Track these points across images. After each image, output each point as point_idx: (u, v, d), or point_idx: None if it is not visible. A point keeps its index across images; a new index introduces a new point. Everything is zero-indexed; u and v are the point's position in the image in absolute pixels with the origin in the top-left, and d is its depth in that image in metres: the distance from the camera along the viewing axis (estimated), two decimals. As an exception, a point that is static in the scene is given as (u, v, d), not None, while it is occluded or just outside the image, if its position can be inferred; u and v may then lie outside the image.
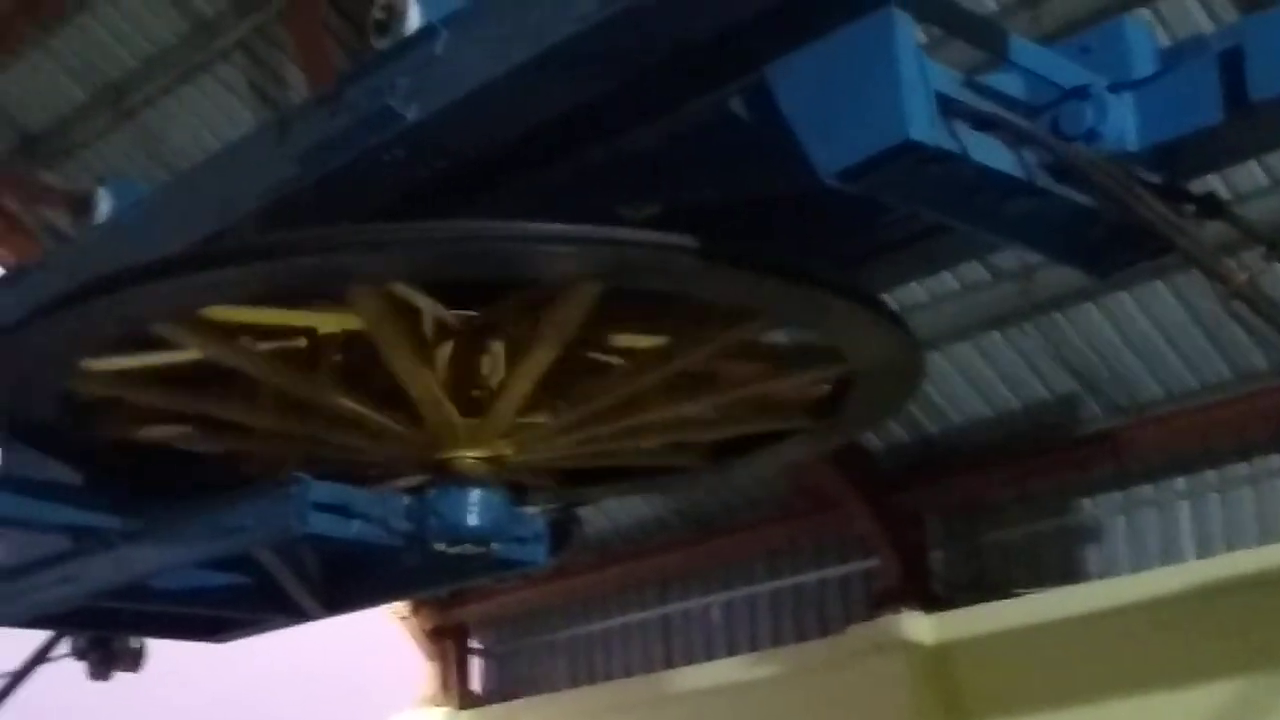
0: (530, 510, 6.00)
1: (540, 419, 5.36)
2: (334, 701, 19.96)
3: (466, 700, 16.08)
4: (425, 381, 5.00)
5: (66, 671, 8.28)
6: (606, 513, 13.54)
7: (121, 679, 8.28)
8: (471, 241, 4.27)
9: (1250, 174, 9.86)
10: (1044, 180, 3.88)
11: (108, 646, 8.10)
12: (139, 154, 12.97)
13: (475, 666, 16.37)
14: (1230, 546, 11.36)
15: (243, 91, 12.52)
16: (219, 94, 12.63)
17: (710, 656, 14.16)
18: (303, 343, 5.29)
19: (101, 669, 8.18)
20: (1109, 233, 4.11)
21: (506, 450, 5.36)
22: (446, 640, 16.22)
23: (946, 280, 11.13)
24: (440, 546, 5.40)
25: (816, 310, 4.81)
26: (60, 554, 6.40)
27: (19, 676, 8.36)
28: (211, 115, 12.67)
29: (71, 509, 6.32)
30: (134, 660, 8.18)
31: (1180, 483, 11.76)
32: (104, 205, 5.72)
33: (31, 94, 13.33)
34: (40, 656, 8.32)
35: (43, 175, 13.67)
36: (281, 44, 11.87)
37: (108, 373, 5.25)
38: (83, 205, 6.01)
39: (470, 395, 5.22)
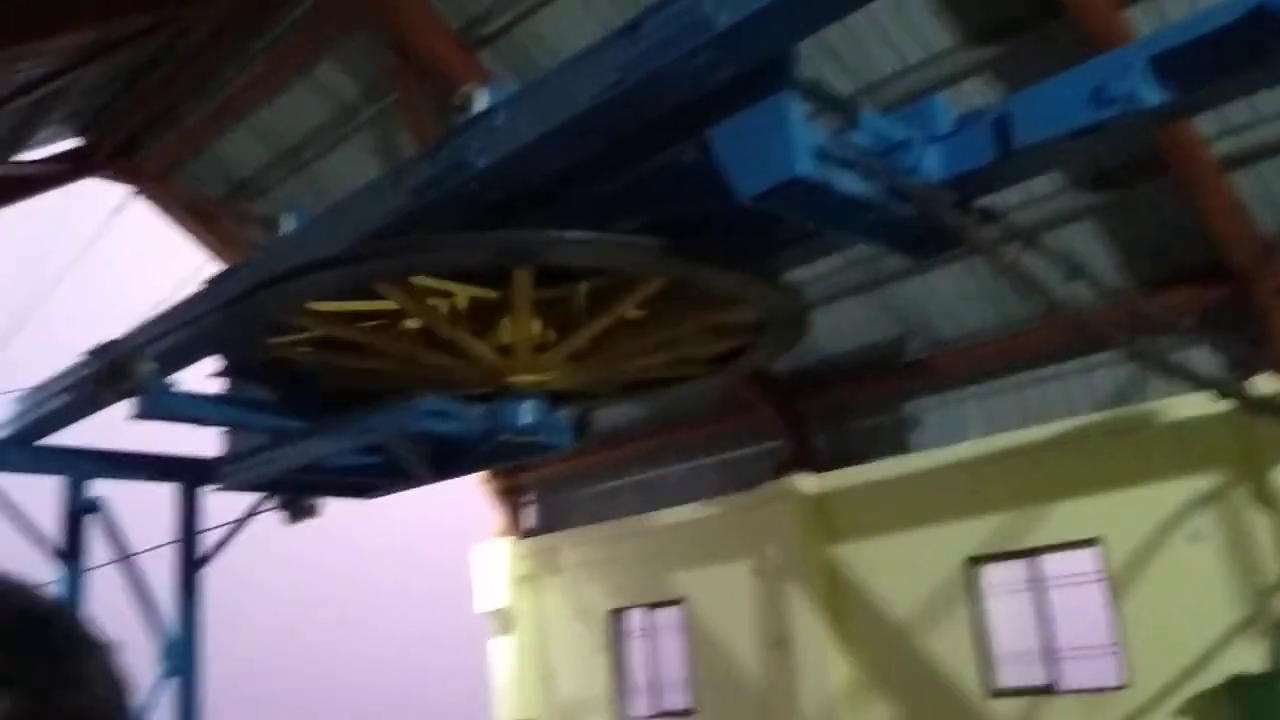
0: (561, 412, 6.01)
1: (562, 356, 5.35)
2: (440, 536, 19.98)
3: (523, 533, 16.14)
4: (522, 325, 5.01)
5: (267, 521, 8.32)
6: (610, 415, 13.53)
7: (305, 524, 8.32)
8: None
9: (1011, 192, 9.82)
10: (883, 200, 3.87)
11: (296, 504, 8.12)
12: (307, 192, 12.87)
13: (530, 512, 16.43)
14: (1001, 429, 11.41)
15: (372, 150, 12.42)
16: (359, 153, 12.51)
17: (674, 504, 14.20)
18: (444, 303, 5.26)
19: (293, 517, 8.20)
20: (925, 233, 4.11)
21: (543, 376, 5.37)
22: (510, 495, 16.26)
23: (821, 265, 11.11)
24: (504, 436, 5.42)
25: (753, 290, 4.83)
26: (264, 445, 6.40)
27: (240, 523, 8.34)
28: (354, 167, 12.55)
29: (273, 416, 6.33)
30: (312, 512, 8.20)
31: (969, 390, 11.79)
32: (286, 225, 5.67)
33: (238, 155, 13.19)
34: (254, 510, 8.31)
35: (249, 207, 13.57)
36: (398, 120, 11.77)
37: (324, 311, 5.18)
38: (272, 224, 5.97)
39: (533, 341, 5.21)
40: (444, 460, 6.42)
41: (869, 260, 11.05)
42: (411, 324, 5.37)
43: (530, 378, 5.25)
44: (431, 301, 5.20)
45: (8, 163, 11.85)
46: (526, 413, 5.17)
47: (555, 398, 5.82)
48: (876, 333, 12.03)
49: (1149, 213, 9.90)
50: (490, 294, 5.06)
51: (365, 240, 4.72)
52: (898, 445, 12.25)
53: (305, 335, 5.56)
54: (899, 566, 11.79)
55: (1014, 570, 11.21)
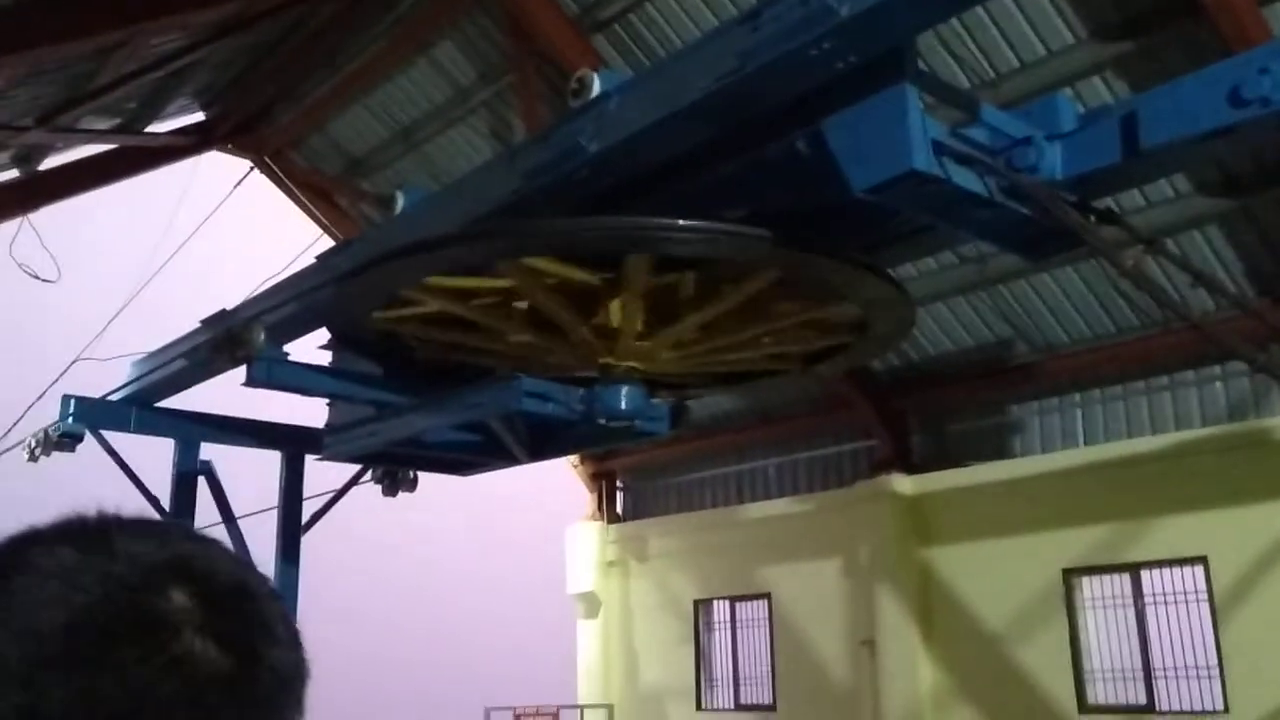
0: (658, 400, 6.01)
1: (663, 344, 5.34)
2: (534, 515, 20.23)
3: (613, 519, 16.23)
4: (632, 312, 5.02)
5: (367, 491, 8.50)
6: (706, 405, 13.52)
7: (404, 497, 8.49)
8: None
9: (1132, 196, 9.54)
10: (1000, 197, 3.78)
11: (395, 476, 8.28)
12: (421, 172, 13.08)
13: (619, 498, 16.52)
14: (1108, 439, 11.09)
15: (485, 133, 12.56)
16: (471, 135, 12.67)
17: (767, 497, 14.14)
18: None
19: (391, 489, 8.37)
20: (1042, 233, 4.00)
21: (646, 364, 5.37)
22: (602, 480, 16.35)
23: (929, 262, 10.92)
24: (602, 420, 5.44)
25: (857, 283, 4.75)
26: (369, 417, 6.54)
27: (341, 492, 8.54)
28: (465, 148, 12.73)
29: (376, 390, 6.46)
30: (411, 485, 8.36)
31: (1076, 397, 11.49)
32: (400, 203, 5.77)
33: (354, 133, 13.46)
34: (355, 479, 8.49)
35: (362, 184, 13.84)
36: (511, 104, 11.89)
37: (443, 287, 5.22)
38: (387, 203, 6.07)
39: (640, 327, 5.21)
40: (540, 441, 6.49)
41: (978, 259, 10.82)
42: (520, 304, 5.41)
43: (629, 363, 5.25)
44: (546, 280, 5.23)
45: (138, 134, 12.28)
46: (625, 398, 5.18)
47: (650, 384, 5.83)
48: (983, 334, 11.78)
49: (1277, 219, 9.50)
50: (595, 278, 5.08)
51: (480, 220, 4.77)
52: (999, 450, 12.00)
53: (414, 311, 5.66)
54: (994, 573, 11.55)
55: (1114, 585, 10.89)
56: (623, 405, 5.16)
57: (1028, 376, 11.61)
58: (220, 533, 8.36)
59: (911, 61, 3.69)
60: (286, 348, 6.31)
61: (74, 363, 9.28)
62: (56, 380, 8.86)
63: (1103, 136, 3.82)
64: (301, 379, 6.33)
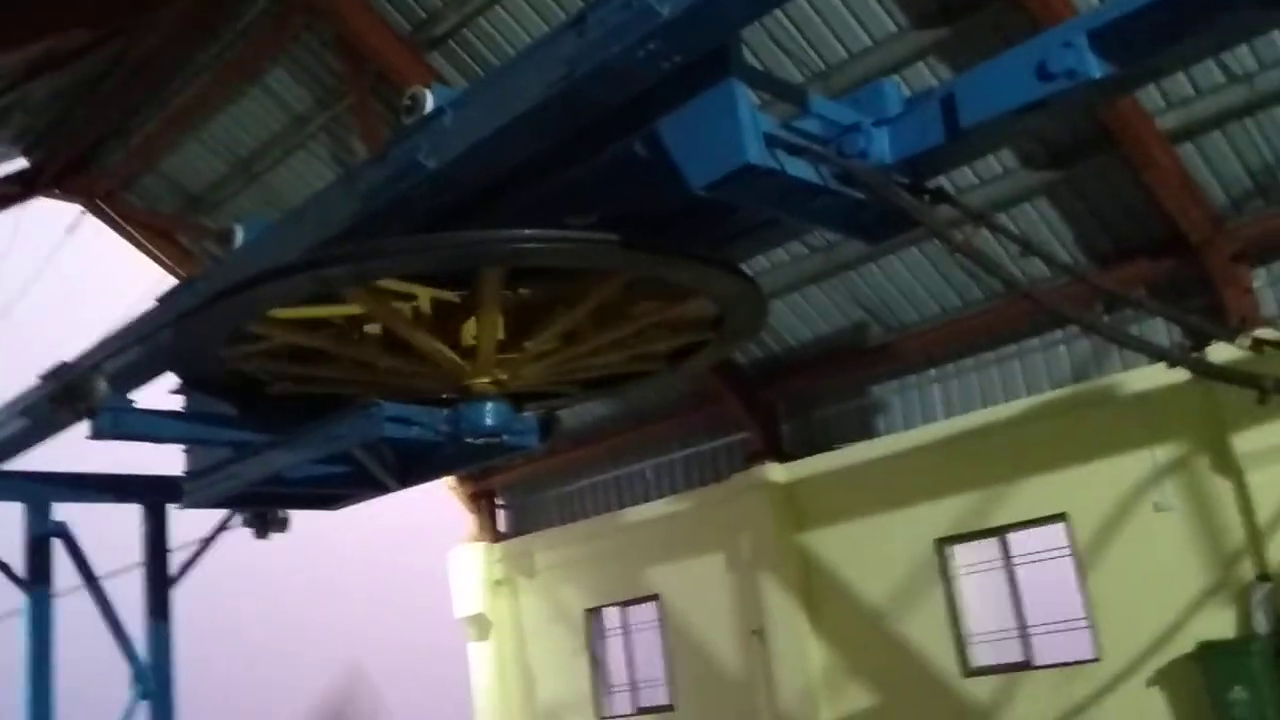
0: (526, 414, 5.95)
1: (525, 356, 5.30)
2: (411, 540, 19.90)
3: (496, 537, 16.07)
4: (488, 327, 4.97)
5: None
6: (577, 414, 13.52)
7: (275, 538, 8.22)
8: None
9: (965, 174, 9.92)
10: (835, 185, 3.86)
11: (265, 517, 8.02)
12: (265, 203, 12.75)
13: (501, 516, 16.35)
14: (966, 410, 11.48)
15: (326, 158, 12.31)
16: (312, 161, 12.41)
17: (646, 499, 14.20)
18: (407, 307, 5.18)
19: (261, 531, 8.10)
20: (878, 216, 4.10)
21: (504, 377, 5.32)
22: (482, 499, 16.18)
23: (781, 254, 11.16)
24: (469, 439, 5.37)
25: (709, 279, 4.79)
26: (227, 460, 6.31)
27: (208, 542, 8.24)
28: (308, 175, 12.45)
29: (232, 430, 6.23)
30: (281, 525, 8.11)
31: (932, 373, 11.87)
32: (239, 236, 5.59)
33: (190, 168, 13.04)
34: (221, 526, 8.21)
35: (204, 220, 13.41)
36: (350, 126, 11.67)
37: (284, 319, 5.06)
38: (227, 237, 5.87)
39: (498, 343, 5.15)
40: (410, 467, 6.35)
41: (827, 249, 11.10)
42: (372, 329, 5.30)
43: (492, 379, 5.20)
44: (394, 305, 5.14)
45: (-47, 186, 11.65)
46: (490, 415, 5.12)
47: (517, 398, 5.77)
48: (838, 320, 12.08)
49: (1100, 188, 10.00)
50: (451, 296, 5.01)
51: (321, 246, 4.65)
52: (864, 431, 12.31)
53: (263, 346, 5.48)
54: (870, 551, 11.84)
55: (985, 550, 11.28)
56: (488, 422, 5.11)
57: (885, 357, 11.95)
58: (82, 596, 7.98)
59: (738, 58, 3.73)
60: (134, 396, 6.05)
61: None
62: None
63: (926, 119, 3.93)
64: (151, 427, 6.07)
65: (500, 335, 5.19)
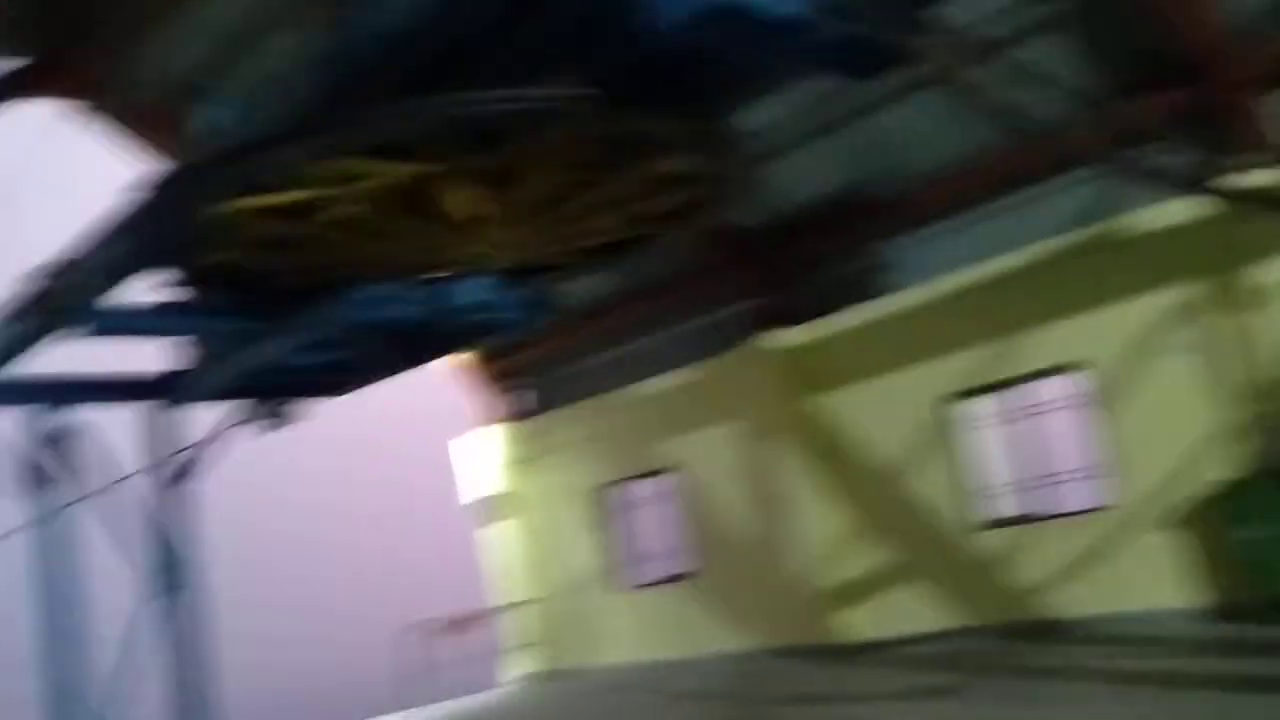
0: (523, 289, 5.80)
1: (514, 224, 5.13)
2: (416, 426, 20.05)
3: (517, 417, 16.12)
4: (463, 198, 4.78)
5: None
6: (586, 287, 13.31)
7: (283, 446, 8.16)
8: None
9: (969, 8, 9.39)
10: (819, 18, 3.61)
11: (270, 410, 7.95)
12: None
13: (519, 396, 16.33)
14: (978, 262, 11.21)
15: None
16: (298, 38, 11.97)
17: (661, 372, 14.13)
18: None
19: (271, 426, 8.05)
20: (868, 50, 3.85)
21: (496, 249, 5.16)
22: (503, 379, 16.19)
23: (778, 112, 10.76)
24: (462, 317, 5.25)
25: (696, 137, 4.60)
26: (221, 352, 6.23)
27: (215, 436, 8.17)
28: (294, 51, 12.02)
29: (226, 321, 6.13)
30: (290, 419, 8.04)
31: (944, 224, 11.49)
32: (199, 119, 5.36)
33: (172, 54, 12.61)
34: (233, 422, 8.13)
35: (187, 108, 13.02)
36: None
37: (256, 207, 4.89)
38: (197, 121, 5.63)
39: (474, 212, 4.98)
40: (408, 348, 6.26)
41: (826, 99, 10.66)
42: (348, 211, 5.12)
43: (478, 250, 5.04)
44: (369, 182, 4.94)
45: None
46: (468, 290, 4.98)
47: (519, 273, 5.62)
48: (845, 177, 11.72)
49: (1111, 18, 9.53)
50: (426, 168, 4.80)
51: (283, 121, 4.44)
52: (875, 289, 12.09)
53: (246, 236, 5.32)
54: (883, 411, 11.79)
55: (1000, 402, 11.18)
56: (466, 298, 4.97)
57: (893, 211, 11.60)
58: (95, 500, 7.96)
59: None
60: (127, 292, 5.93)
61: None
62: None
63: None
64: (142, 323, 5.99)
65: (482, 206, 5.01)
